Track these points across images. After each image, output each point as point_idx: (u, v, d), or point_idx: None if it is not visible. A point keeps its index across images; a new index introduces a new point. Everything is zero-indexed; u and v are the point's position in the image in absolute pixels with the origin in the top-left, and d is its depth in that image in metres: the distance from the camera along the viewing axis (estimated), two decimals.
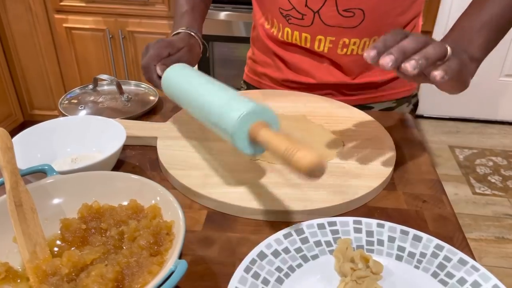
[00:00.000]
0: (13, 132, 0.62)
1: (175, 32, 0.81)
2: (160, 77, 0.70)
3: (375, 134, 0.71)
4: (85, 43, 2.08)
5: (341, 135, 0.70)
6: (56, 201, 0.50)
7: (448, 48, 0.50)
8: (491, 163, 2.29)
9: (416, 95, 0.96)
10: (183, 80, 0.64)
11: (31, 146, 0.62)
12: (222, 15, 1.86)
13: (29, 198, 0.47)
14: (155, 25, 1.99)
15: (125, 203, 0.49)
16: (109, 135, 0.64)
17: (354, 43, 0.80)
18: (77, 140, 0.65)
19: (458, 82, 0.54)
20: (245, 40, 1.98)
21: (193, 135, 0.70)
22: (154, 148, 0.67)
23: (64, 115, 0.76)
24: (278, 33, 0.85)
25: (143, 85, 0.88)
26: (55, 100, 2.29)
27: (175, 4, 0.88)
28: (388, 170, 0.62)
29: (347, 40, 0.80)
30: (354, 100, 0.88)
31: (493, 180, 2.16)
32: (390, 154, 0.65)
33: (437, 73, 0.48)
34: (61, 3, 2.00)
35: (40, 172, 0.53)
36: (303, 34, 0.81)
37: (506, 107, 2.57)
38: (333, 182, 0.59)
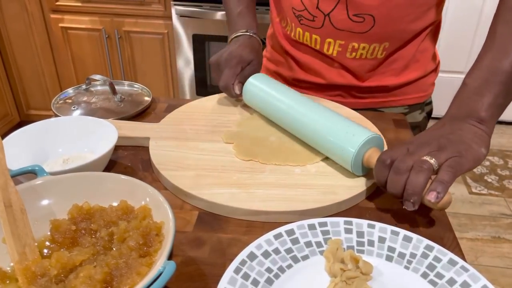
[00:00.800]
0: (9, 133, 0.62)
1: (236, 35, 0.83)
2: (239, 94, 0.77)
3: None
4: (81, 43, 2.07)
5: None
6: (46, 202, 0.50)
7: (432, 161, 0.51)
8: (487, 163, 2.29)
9: (430, 102, 0.93)
10: (271, 96, 0.72)
11: (23, 147, 0.62)
12: (218, 15, 1.86)
13: (18, 199, 0.47)
14: (151, 25, 1.99)
15: (116, 204, 0.49)
16: (101, 135, 0.63)
17: (363, 48, 0.79)
18: (69, 140, 0.65)
19: (464, 170, 0.52)
20: None
21: (186, 135, 0.70)
22: (146, 149, 0.67)
23: (57, 116, 0.75)
24: (291, 32, 0.86)
25: (136, 86, 0.88)
26: (51, 100, 2.29)
27: (226, 4, 0.89)
28: None
29: (356, 45, 0.79)
30: (365, 103, 0.87)
31: (489, 180, 2.16)
32: None
33: (430, 198, 0.50)
34: (57, 3, 1.99)
35: (30, 173, 0.52)
36: (314, 36, 0.81)
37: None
38: (324, 182, 0.59)
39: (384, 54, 0.81)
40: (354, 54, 0.81)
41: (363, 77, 0.85)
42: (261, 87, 0.74)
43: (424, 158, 0.52)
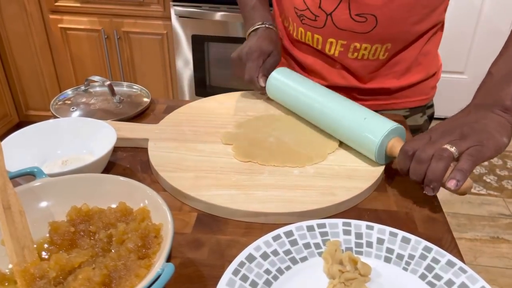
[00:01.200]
0: (9, 133, 0.62)
1: (253, 29, 0.84)
2: (263, 87, 0.79)
3: None
4: (80, 43, 2.07)
5: (333, 137, 0.70)
6: (44, 204, 0.50)
7: (453, 149, 0.53)
8: (486, 163, 2.29)
9: (432, 105, 0.93)
10: (295, 90, 0.75)
11: (22, 148, 0.62)
12: (218, 15, 1.86)
13: (17, 201, 0.47)
14: (150, 26, 1.99)
15: (114, 205, 0.49)
16: (100, 137, 0.64)
17: (365, 49, 0.79)
18: (67, 142, 0.65)
19: (484, 158, 0.54)
20: (240, 40, 1.98)
21: (185, 137, 0.70)
22: (145, 150, 0.67)
23: (56, 117, 0.75)
24: (293, 32, 0.86)
25: (135, 87, 0.88)
26: (51, 101, 2.29)
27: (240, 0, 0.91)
28: (379, 171, 0.62)
29: (358, 45, 0.79)
30: (366, 105, 0.86)
31: (488, 180, 2.17)
32: None
33: (450, 186, 0.53)
34: (56, 4, 1.99)
35: (29, 175, 0.52)
36: (315, 36, 0.81)
37: None
38: (323, 184, 0.59)
39: (386, 56, 0.81)
40: (356, 54, 0.80)
41: (364, 79, 0.85)
42: (284, 81, 0.76)
43: (445, 146, 0.54)
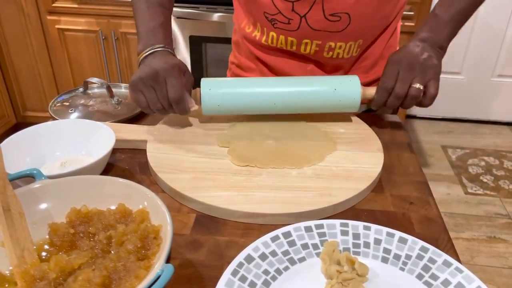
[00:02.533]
0: (6, 134, 0.62)
1: (151, 49, 0.71)
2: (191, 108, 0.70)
3: (363, 136, 0.72)
4: (77, 44, 2.07)
5: (330, 138, 0.71)
6: (44, 205, 0.50)
7: (421, 87, 0.71)
8: (483, 163, 2.30)
9: None
10: (248, 93, 0.72)
11: (21, 150, 0.62)
12: (215, 16, 1.87)
13: (17, 203, 0.47)
14: None
15: (114, 207, 0.49)
16: (99, 138, 0.64)
17: (340, 47, 0.80)
18: (66, 144, 0.65)
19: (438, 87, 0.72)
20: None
21: (183, 138, 0.70)
22: (144, 152, 0.67)
23: (54, 119, 0.76)
24: (262, 37, 0.84)
25: None
26: (48, 102, 2.28)
27: (138, 14, 0.78)
28: (376, 172, 0.62)
29: (333, 44, 0.80)
30: None
31: (485, 180, 2.17)
32: (378, 157, 0.66)
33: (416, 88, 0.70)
34: (54, 5, 1.99)
35: (28, 177, 0.53)
36: (289, 38, 0.80)
37: (498, 107, 2.59)
38: (321, 185, 0.60)
39: (358, 52, 0.83)
40: (331, 53, 0.81)
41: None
42: (226, 90, 0.71)
43: (415, 85, 0.71)
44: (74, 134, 0.66)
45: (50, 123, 0.67)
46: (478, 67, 2.48)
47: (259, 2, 0.79)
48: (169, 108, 0.69)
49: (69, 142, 0.65)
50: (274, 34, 0.82)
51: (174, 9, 1.93)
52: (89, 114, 0.79)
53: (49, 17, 2.02)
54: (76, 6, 1.98)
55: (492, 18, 2.36)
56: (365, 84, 0.86)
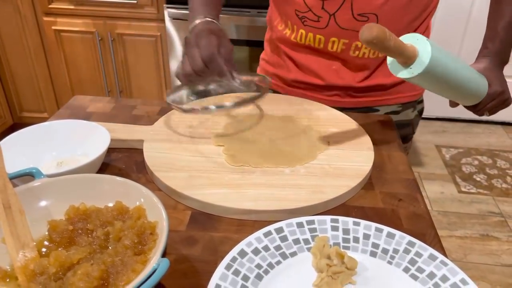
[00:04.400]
0: (3, 135, 0.64)
1: (195, 23, 0.74)
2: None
3: (354, 135, 0.73)
4: (74, 45, 2.08)
5: (323, 137, 0.72)
6: (43, 203, 0.52)
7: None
8: (476, 162, 2.33)
9: (422, 101, 0.97)
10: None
11: (17, 151, 0.63)
12: None
13: (17, 201, 0.49)
14: (144, 28, 2.00)
15: (111, 204, 0.51)
16: (94, 138, 0.65)
17: (366, 47, 0.82)
18: (62, 143, 0.67)
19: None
20: (233, 42, 1.99)
21: (179, 137, 0.72)
22: (140, 151, 0.69)
23: (177, 108, 0.70)
24: (291, 34, 0.87)
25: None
26: (45, 103, 2.29)
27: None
28: (366, 170, 0.64)
29: (359, 44, 0.82)
30: (361, 102, 0.90)
31: (478, 179, 2.20)
32: (369, 155, 0.68)
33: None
34: (50, 6, 2.00)
35: (28, 175, 0.54)
36: (317, 36, 0.83)
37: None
38: (313, 182, 0.62)
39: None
40: (357, 52, 0.83)
41: (362, 76, 0.87)
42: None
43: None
44: (70, 135, 0.67)
45: (46, 123, 0.68)
46: None
47: (292, 1, 0.82)
48: (202, 69, 0.67)
49: (65, 142, 0.67)
50: (303, 32, 0.84)
51: (170, 10, 1.96)
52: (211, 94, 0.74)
53: (45, 18, 2.03)
54: (72, 7, 1.99)
55: (485, 20, 2.38)
56: (391, 85, 0.90)
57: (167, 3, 1.89)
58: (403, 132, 0.94)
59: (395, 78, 0.88)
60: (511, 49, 0.79)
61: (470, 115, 2.82)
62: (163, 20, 1.95)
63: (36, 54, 2.15)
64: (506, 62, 0.80)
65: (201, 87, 0.74)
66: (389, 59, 0.60)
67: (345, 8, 0.78)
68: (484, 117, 2.60)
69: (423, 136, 2.53)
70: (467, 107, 0.78)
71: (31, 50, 2.14)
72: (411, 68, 0.57)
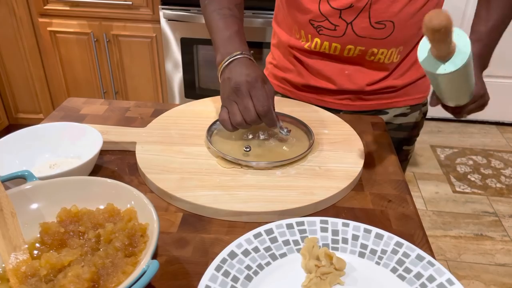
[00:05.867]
0: None
1: (230, 58, 0.71)
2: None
3: (346, 137, 0.74)
4: (69, 46, 2.08)
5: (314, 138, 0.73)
6: (35, 205, 0.52)
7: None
8: (471, 162, 2.34)
9: (426, 103, 0.98)
10: None
11: (10, 153, 0.64)
12: None
13: (9, 203, 0.49)
14: (140, 29, 2.00)
15: (103, 206, 0.51)
16: (87, 141, 0.66)
17: (382, 53, 0.84)
18: (55, 146, 0.67)
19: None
20: None
21: (171, 140, 0.72)
22: (133, 153, 0.69)
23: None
24: (305, 43, 0.87)
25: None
26: (40, 104, 2.29)
27: (212, 27, 0.78)
28: (356, 172, 0.65)
29: (375, 50, 0.83)
30: (371, 105, 0.91)
31: (472, 179, 2.21)
32: (359, 156, 0.68)
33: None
34: (45, 7, 2.00)
35: (20, 178, 0.55)
36: (333, 44, 0.83)
37: (486, 107, 2.63)
38: (304, 184, 0.62)
39: (399, 58, 0.85)
40: (372, 57, 0.85)
41: (373, 79, 0.88)
42: None
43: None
44: (62, 137, 0.68)
45: (39, 126, 0.69)
46: None
47: (306, 10, 0.82)
48: (255, 121, 0.67)
49: (58, 145, 0.67)
50: (318, 40, 0.84)
51: (165, 11, 1.97)
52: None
53: (41, 20, 2.03)
54: (67, 8, 1.99)
55: None
56: (401, 87, 0.91)
57: (162, 4, 1.90)
58: (410, 134, 0.96)
59: (405, 79, 0.91)
60: (492, 54, 0.78)
61: None
62: (158, 21, 1.96)
63: (32, 55, 2.15)
64: (486, 67, 0.79)
65: (250, 135, 0.73)
66: (424, 54, 0.54)
67: (362, 16, 0.79)
68: (480, 117, 2.62)
69: (418, 136, 2.54)
70: (447, 108, 0.74)
71: (26, 51, 2.14)
72: (450, 62, 0.53)
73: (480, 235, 1.87)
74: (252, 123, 0.68)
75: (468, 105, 0.73)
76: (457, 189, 2.14)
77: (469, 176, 2.23)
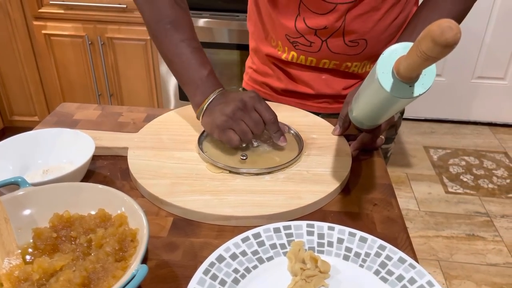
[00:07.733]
0: None
1: (216, 93, 0.72)
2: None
3: (334, 142, 0.76)
4: (64, 49, 2.09)
5: (303, 143, 0.75)
6: (28, 211, 0.53)
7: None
8: (463, 163, 2.37)
9: None
10: None
11: (3, 159, 0.65)
12: (201, 22, 1.90)
13: (2, 209, 0.51)
14: (134, 32, 2.02)
15: (94, 212, 0.53)
16: (79, 147, 0.67)
17: (356, 66, 0.88)
18: (48, 152, 0.68)
19: None
20: (224, 46, 2.01)
21: (163, 145, 0.73)
22: (125, 158, 0.70)
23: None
24: (283, 54, 0.90)
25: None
26: (35, 106, 2.30)
27: (183, 61, 0.76)
28: (343, 176, 0.66)
29: (349, 64, 0.87)
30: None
31: (465, 179, 2.24)
32: (347, 161, 0.70)
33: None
34: (40, 10, 2.01)
35: (13, 184, 0.56)
36: (309, 58, 0.87)
37: (479, 108, 2.66)
38: (292, 188, 0.64)
39: (372, 67, 0.87)
40: (347, 70, 0.89)
41: (349, 84, 0.91)
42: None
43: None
44: (55, 143, 0.69)
45: (32, 132, 0.70)
46: (459, 69, 2.54)
47: (283, 26, 0.85)
48: (262, 132, 0.70)
49: (50, 151, 0.68)
50: (295, 54, 0.88)
51: None
52: None
53: (35, 23, 2.04)
54: (62, 11, 2.00)
55: (471, 22, 2.42)
56: None
57: None
58: (387, 134, 0.98)
59: None
60: None
61: (458, 116, 2.85)
62: None
63: (26, 58, 2.15)
64: None
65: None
66: (388, 80, 0.48)
67: (336, 36, 0.82)
68: (472, 118, 2.65)
69: (411, 137, 2.56)
70: (364, 132, 0.71)
71: (21, 54, 2.15)
72: (419, 83, 0.49)
73: (472, 235, 1.89)
74: (259, 134, 0.70)
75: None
76: (450, 189, 2.16)
77: (461, 177, 2.25)
